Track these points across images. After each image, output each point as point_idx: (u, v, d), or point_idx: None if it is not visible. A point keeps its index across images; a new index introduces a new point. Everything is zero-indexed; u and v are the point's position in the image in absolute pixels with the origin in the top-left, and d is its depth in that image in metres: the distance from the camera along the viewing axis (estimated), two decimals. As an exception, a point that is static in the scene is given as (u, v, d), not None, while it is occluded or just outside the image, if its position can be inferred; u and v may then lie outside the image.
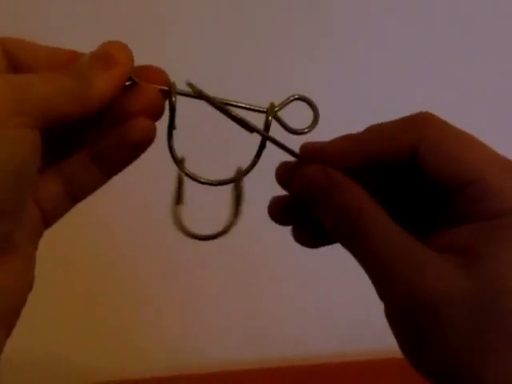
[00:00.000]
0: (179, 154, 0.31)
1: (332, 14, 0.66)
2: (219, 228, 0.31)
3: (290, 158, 0.32)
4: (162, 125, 0.30)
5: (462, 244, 0.28)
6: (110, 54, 0.29)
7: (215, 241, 0.30)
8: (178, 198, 0.30)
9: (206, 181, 0.31)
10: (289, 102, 0.32)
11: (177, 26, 0.65)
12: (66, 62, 0.29)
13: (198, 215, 0.32)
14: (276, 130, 0.31)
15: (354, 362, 0.74)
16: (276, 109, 0.31)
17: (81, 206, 0.31)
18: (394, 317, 0.30)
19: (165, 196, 0.31)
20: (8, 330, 0.28)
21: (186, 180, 0.31)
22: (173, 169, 0.31)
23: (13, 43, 0.29)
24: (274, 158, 0.32)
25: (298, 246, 0.58)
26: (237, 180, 0.31)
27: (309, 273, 0.74)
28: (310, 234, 0.33)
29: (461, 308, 0.27)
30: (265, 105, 0.31)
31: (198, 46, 0.65)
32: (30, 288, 0.29)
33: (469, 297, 0.27)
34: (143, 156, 0.30)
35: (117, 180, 0.30)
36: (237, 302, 0.74)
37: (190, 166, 0.31)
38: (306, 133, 0.31)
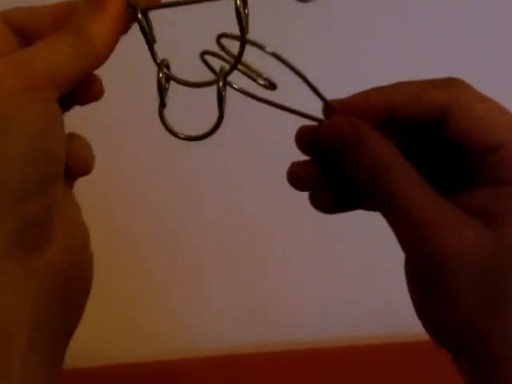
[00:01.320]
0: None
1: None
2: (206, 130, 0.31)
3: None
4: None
5: (483, 207, 0.29)
6: None
7: (220, 218, 0.30)
8: (161, 100, 0.30)
9: (191, 83, 0.31)
10: None
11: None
12: (67, 15, 0.29)
13: (186, 119, 0.32)
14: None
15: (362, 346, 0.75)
16: None
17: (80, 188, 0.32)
18: (414, 271, 0.31)
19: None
20: None
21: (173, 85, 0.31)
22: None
23: (14, 15, 0.30)
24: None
25: (305, 224, 0.58)
26: (219, 80, 0.30)
27: (315, 255, 0.74)
28: (330, 198, 0.33)
29: (477, 269, 0.28)
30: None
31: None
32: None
33: (485, 259, 0.28)
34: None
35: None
36: (240, 283, 0.74)
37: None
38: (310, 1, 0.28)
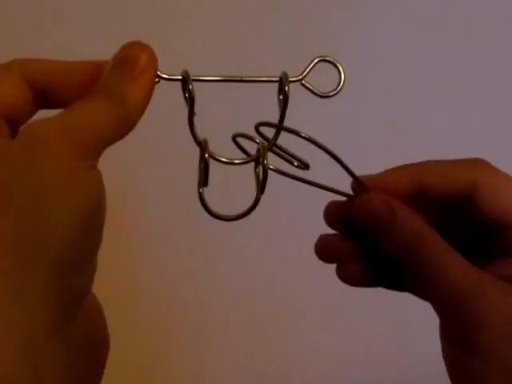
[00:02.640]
0: (201, 137, 0.31)
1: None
2: (244, 208, 0.31)
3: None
4: (182, 112, 0.30)
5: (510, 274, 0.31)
6: (134, 61, 0.28)
7: (233, 276, 0.30)
8: (204, 181, 0.30)
9: (230, 161, 0.32)
10: (313, 66, 0.31)
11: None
12: (90, 75, 0.29)
13: (221, 197, 0.32)
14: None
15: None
16: (300, 77, 0.31)
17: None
18: (452, 333, 0.31)
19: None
20: None
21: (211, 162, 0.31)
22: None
23: (33, 67, 0.29)
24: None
25: (318, 281, 0.57)
26: (260, 157, 0.31)
27: (329, 313, 0.73)
28: (359, 271, 0.34)
29: None
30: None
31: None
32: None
33: None
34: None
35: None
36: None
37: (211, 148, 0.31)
38: (333, 96, 0.31)
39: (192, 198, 0.31)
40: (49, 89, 0.29)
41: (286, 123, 0.30)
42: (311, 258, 0.34)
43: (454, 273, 0.30)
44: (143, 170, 0.65)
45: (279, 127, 0.30)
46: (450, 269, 0.30)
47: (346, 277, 0.34)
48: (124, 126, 0.28)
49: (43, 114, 0.29)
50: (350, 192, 0.34)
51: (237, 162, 0.32)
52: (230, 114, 0.31)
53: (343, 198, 0.34)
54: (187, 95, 0.30)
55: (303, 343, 0.72)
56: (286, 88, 0.30)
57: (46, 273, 0.24)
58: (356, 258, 0.34)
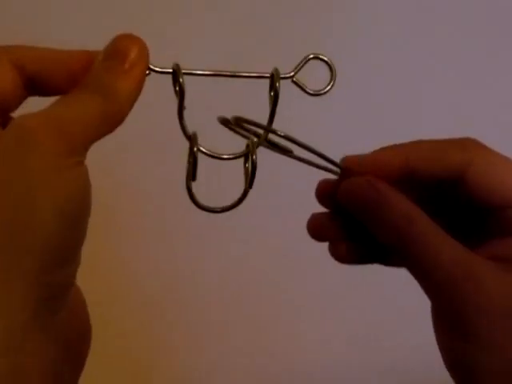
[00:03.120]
0: (190, 130, 0.31)
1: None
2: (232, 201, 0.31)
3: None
4: (172, 105, 0.30)
5: (502, 254, 0.31)
6: (125, 54, 0.28)
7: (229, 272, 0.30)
8: (193, 175, 0.30)
9: (218, 155, 0.31)
10: (305, 63, 0.31)
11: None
12: (81, 65, 0.29)
13: (211, 190, 0.32)
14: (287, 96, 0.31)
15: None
16: (292, 73, 0.31)
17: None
18: (443, 316, 0.31)
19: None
20: None
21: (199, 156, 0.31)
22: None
23: (23, 53, 0.29)
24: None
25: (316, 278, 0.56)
26: (250, 153, 0.31)
27: (327, 309, 0.73)
28: (350, 249, 0.34)
29: (510, 314, 0.29)
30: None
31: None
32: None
33: None
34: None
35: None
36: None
37: (202, 142, 0.31)
38: (324, 94, 0.31)
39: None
40: (39, 76, 0.29)
41: (283, 119, 0.30)
42: (310, 254, 0.34)
43: (443, 255, 0.30)
44: (136, 164, 0.65)
45: (253, 123, 0.30)
46: (438, 251, 0.30)
47: (337, 254, 0.34)
48: (113, 120, 0.28)
49: (34, 100, 0.30)
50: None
51: (226, 157, 0.32)
52: (222, 109, 0.31)
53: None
54: (177, 88, 0.30)
55: (302, 341, 0.72)
56: (277, 84, 0.30)
57: (28, 268, 0.24)
58: (346, 235, 0.34)
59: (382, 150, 0.33)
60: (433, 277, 0.30)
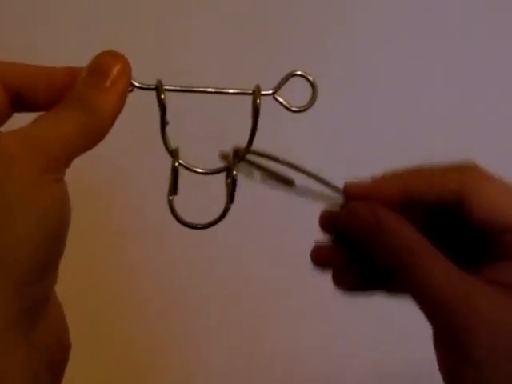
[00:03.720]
0: (173, 145, 0.31)
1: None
2: (214, 217, 0.31)
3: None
4: (154, 120, 0.30)
5: (500, 278, 0.31)
6: (107, 70, 0.28)
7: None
8: (174, 189, 0.31)
9: (201, 171, 0.32)
10: (287, 80, 0.31)
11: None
12: (64, 81, 0.29)
13: (192, 205, 0.32)
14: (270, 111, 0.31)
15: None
16: (272, 91, 0.31)
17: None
18: (443, 340, 0.31)
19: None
20: None
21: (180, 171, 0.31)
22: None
23: (6, 69, 0.29)
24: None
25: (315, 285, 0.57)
26: (230, 167, 0.31)
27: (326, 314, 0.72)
28: (352, 279, 0.34)
29: (504, 336, 0.29)
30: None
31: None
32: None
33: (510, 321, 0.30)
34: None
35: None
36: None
37: (183, 158, 0.31)
38: (304, 110, 0.31)
39: (184, 198, 0.31)
40: (24, 92, 0.29)
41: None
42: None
43: (440, 279, 0.30)
44: (133, 164, 0.64)
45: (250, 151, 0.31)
46: (437, 277, 0.30)
47: (339, 284, 0.34)
48: (94, 135, 0.28)
49: (20, 116, 0.30)
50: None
51: (207, 171, 0.32)
52: (206, 122, 0.31)
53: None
54: (158, 104, 0.30)
55: (300, 343, 0.72)
56: (258, 101, 0.30)
57: (4, 282, 0.25)
58: (348, 265, 0.34)
59: (382, 176, 0.33)
60: (430, 300, 0.30)
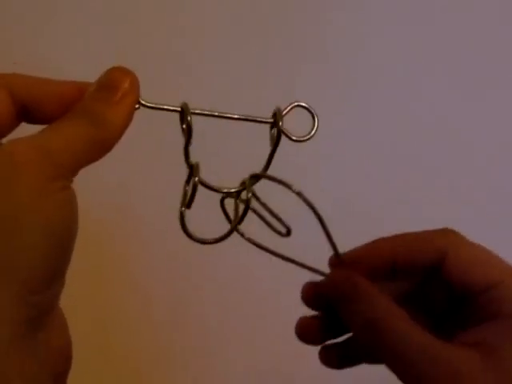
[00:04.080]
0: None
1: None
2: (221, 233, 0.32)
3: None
4: (158, 133, 0.30)
5: (482, 339, 0.31)
6: (116, 85, 0.29)
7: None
8: (189, 203, 0.31)
9: (217, 188, 0.32)
10: (290, 110, 0.32)
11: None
12: (72, 95, 0.30)
13: (202, 222, 0.32)
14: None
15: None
16: (273, 120, 0.32)
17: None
18: None
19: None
20: None
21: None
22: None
23: (16, 81, 0.30)
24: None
25: None
26: (248, 190, 0.32)
27: None
28: (338, 354, 0.36)
29: None
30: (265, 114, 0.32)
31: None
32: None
33: None
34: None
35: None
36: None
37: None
38: (306, 140, 0.32)
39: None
40: (31, 105, 0.30)
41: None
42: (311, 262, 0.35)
43: (414, 353, 0.30)
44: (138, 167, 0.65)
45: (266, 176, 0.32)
46: (409, 348, 0.30)
47: (325, 361, 0.36)
48: (101, 146, 0.28)
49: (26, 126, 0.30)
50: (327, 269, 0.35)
51: (223, 190, 0.33)
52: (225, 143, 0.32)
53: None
54: (184, 126, 0.30)
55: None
56: (280, 123, 0.31)
57: (11, 289, 0.25)
58: (331, 338, 0.35)
59: (368, 244, 0.35)
60: (405, 372, 0.30)
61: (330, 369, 0.36)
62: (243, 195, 0.32)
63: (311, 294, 0.35)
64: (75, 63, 0.60)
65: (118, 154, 0.30)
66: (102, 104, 0.28)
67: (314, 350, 0.61)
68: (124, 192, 0.65)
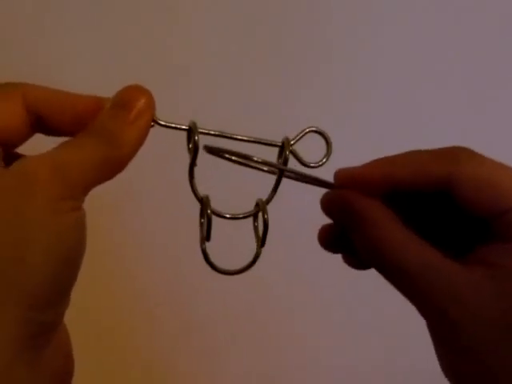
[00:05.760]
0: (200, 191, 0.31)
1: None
2: (245, 262, 0.32)
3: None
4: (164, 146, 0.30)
5: (491, 259, 0.29)
6: (132, 104, 0.29)
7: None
8: (207, 237, 0.31)
9: (231, 216, 0.32)
10: (303, 135, 0.32)
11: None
12: (88, 109, 0.30)
13: (222, 250, 0.32)
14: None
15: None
16: (291, 142, 0.32)
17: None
18: (432, 328, 0.31)
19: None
20: None
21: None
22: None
23: (33, 91, 0.30)
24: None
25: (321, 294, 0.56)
26: (261, 211, 0.32)
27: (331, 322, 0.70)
28: (357, 259, 0.34)
29: (485, 318, 0.28)
30: (276, 138, 0.32)
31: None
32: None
33: (492, 306, 0.28)
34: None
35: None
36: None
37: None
38: (320, 166, 0.32)
39: (193, 214, 0.32)
40: (46, 116, 0.30)
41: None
42: (319, 264, 0.34)
43: (417, 266, 0.29)
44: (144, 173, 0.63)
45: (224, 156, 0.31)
46: (410, 260, 0.29)
47: (348, 263, 0.35)
48: (114, 166, 0.28)
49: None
50: None
51: (237, 216, 0.32)
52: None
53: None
54: (191, 146, 0.30)
55: (306, 352, 0.69)
56: (287, 153, 0.32)
57: (17, 307, 0.25)
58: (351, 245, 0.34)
59: (366, 164, 0.32)
60: (406, 282, 0.30)
61: (330, 369, 0.34)
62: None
63: (327, 204, 0.34)
64: (75, 64, 0.59)
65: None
66: (117, 122, 0.28)
67: (314, 351, 0.61)
68: (127, 199, 0.65)
